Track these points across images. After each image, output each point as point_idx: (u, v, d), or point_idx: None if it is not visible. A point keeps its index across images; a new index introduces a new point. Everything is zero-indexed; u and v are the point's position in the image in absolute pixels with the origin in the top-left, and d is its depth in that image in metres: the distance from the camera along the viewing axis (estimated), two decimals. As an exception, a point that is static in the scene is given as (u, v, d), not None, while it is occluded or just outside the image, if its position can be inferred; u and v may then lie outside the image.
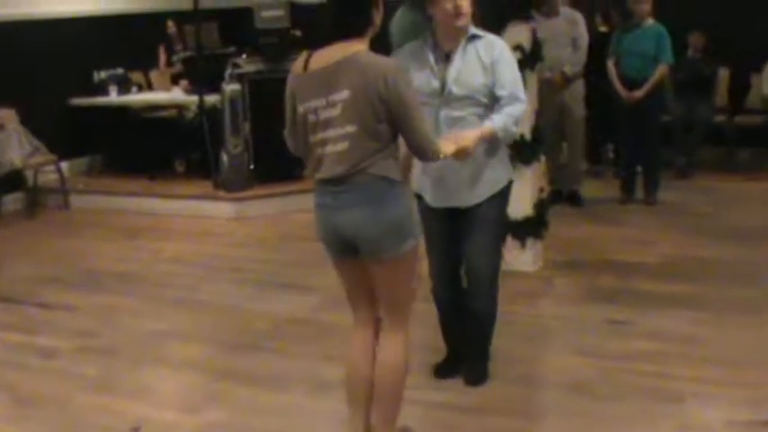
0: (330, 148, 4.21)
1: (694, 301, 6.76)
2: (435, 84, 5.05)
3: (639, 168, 9.96)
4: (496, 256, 5.39)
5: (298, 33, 10.71)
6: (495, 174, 5.21)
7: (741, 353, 5.80)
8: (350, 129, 4.14)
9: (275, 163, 10.39)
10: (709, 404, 5.16)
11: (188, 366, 6.02)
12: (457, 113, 5.03)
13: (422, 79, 5.03)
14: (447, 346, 5.71)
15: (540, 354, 5.98)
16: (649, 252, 8.05)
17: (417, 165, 5.12)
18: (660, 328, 6.28)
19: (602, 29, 10.93)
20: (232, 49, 11.48)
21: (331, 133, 4.19)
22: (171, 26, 12.28)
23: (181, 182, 11.07)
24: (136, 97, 11.97)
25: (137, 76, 12.44)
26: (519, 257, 7.42)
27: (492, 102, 5.04)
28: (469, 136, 4.78)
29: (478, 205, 5.20)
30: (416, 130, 4.20)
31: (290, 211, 9.97)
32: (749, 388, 5.30)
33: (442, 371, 5.66)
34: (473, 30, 5.08)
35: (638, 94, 9.54)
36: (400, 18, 7.61)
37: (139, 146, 11.50)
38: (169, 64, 12.41)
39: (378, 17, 4.29)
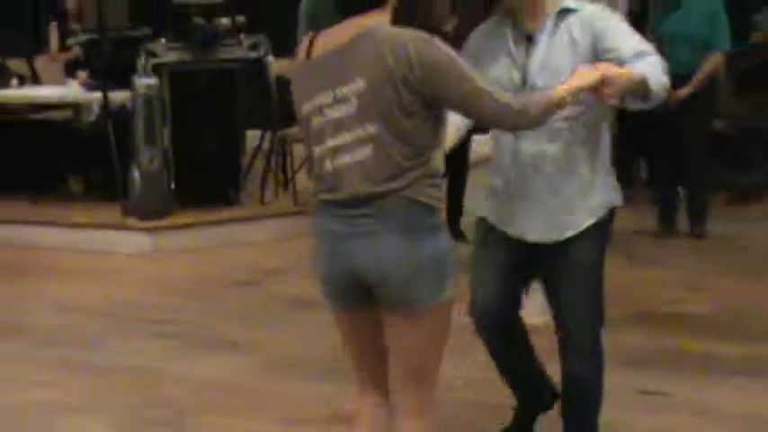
0: (346, 159, 4.10)
1: (752, 368, 6.89)
2: (516, 75, 4.91)
3: (683, 191, 10.12)
4: (595, 310, 5.20)
5: (241, 19, 10.81)
6: (593, 198, 5.05)
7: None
8: (371, 129, 4.03)
9: (203, 182, 10.51)
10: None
11: (86, 449, 6.10)
12: None
13: (499, 70, 4.94)
14: (517, 398, 5.71)
15: (554, 431, 6.12)
16: (694, 301, 8.21)
17: (492, 181, 5.15)
18: (705, 400, 6.41)
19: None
20: (146, 31, 11.55)
21: (346, 138, 4.09)
22: (69, -4, 12.34)
23: (78, 206, 11.07)
24: (16, 92, 11.94)
25: (17, 65, 12.42)
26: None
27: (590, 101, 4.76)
28: (612, 68, 4.50)
29: (569, 241, 5.04)
30: (482, 99, 4.07)
31: (220, 246, 10.10)
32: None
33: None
34: (565, 1, 4.90)
35: (684, 91, 9.66)
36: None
37: (21, 157, 11.43)
38: (63, 48, 12.41)
39: None
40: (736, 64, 10.96)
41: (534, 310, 7.56)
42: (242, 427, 6.25)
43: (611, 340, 7.29)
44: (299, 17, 9.21)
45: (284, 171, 10.99)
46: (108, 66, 10.70)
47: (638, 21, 10.36)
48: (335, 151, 4.11)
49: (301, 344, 7.06)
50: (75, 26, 12.26)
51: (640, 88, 4.60)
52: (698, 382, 6.68)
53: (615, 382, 6.58)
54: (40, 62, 12.73)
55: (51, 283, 9.37)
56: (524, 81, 4.85)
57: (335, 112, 4.08)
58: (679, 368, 6.91)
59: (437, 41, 4.04)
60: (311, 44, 4.19)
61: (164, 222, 10.29)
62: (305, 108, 4.19)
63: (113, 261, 9.93)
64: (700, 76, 9.67)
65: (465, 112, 4.19)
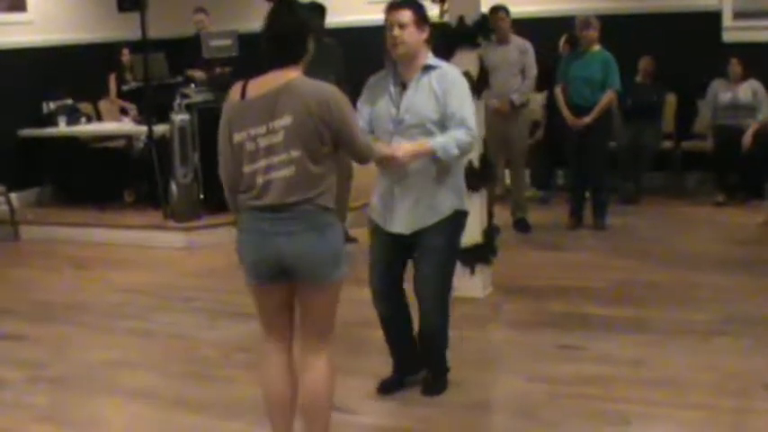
0: (276, 174, 4.28)
1: (641, 325, 6.84)
2: (392, 111, 5.25)
3: (588, 194, 10.05)
4: (440, 282, 5.46)
5: (226, 70, 10.78)
6: (439, 202, 5.31)
7: (686, 375, 5.89)
8: (294, 154, 4.24)
9: (223, 193, 10.41)
10: (654, 426, 5.25)
11: (139, 396, 6.01)
12: (408, 142, 5.16)
13: (381, 106, 5.28)
14: (393, 360, 5.83)
15: (489, 379, 6.05)
16: (597, 277, 8.13)
17: (375, 190, 5.42)
18: (608, 351, 6.35)
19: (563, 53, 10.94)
20: (180, 78, 11.52)
21: (275, 159, 4.26)
22: (126, 54, 12.20)
23: (130, 212, 11.00)
24: (85, 128, 11.89)
25: (85, 107, 12.36)
26: (468, 283, 7.43)
27: (442, 132, 5.18)
28: (405, 146, 5.11)
29: (423, 232, 5.32)
30: (356, 142, 4.43)
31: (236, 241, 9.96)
32: (694, 409, 5.38)
33: (386, 386, 5.76)
34: (430, 60, 5.26)
35: (585, 119, 9.60)
36: None
37: (89, 176, 11.42)
38: (120, 94, 12.35)
39: (311, 45, 4.42)
40: (625, 99, 10.91)
41: (476, 285, 7.52)
42: (257, 378, 6.14)
43: (536, 307, 7.33)
44: None
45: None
46: (152, 105, 10.62)
47: (556, 63, 10.36)
48: (268, 169, 4.29)
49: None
50: (128, 76, 12.17)
51: (427, 156, 5.16)
52: (600, 337, 6.62)
53: (539, 339, 6.61)
54: (102, 104, 12.66)
55: (111, 270, 9.29)
56: (397, 114, 5.22)
57: (267, 140, 4.27)
58: (587, 327, 6.84)
59: (344, 96, 4.38)
60: (244, 88, 4.37)
61: (194, 224, 10.19)
62: (237, 136, 4.34)
63: (157, 253, 9.85)
64: (598, 109, 9.56)
65: (345, 147, 4.42)
